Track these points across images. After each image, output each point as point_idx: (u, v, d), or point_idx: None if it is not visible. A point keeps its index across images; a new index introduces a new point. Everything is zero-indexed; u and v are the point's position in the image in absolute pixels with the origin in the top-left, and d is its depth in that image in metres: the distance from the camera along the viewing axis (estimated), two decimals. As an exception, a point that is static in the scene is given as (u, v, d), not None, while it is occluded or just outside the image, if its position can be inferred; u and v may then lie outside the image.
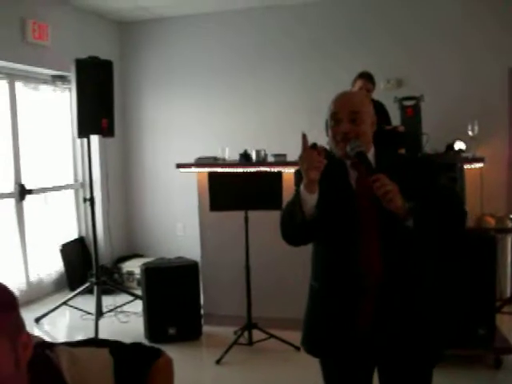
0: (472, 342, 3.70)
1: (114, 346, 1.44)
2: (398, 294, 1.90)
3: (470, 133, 4.43)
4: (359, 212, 1.91)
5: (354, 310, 1.91)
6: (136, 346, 1.51)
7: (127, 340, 1.52)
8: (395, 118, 4.90)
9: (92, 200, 4.91)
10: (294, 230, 1.92)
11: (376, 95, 4.99)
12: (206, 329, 4.59)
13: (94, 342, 1.49)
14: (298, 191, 1.88)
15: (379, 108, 4.93)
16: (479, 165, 4.47)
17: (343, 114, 1.92)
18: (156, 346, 1.54)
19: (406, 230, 1.83)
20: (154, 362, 1.47)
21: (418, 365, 1.98)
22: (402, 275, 1.90)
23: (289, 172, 4.57)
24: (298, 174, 1.98)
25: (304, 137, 1.86)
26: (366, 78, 4.84)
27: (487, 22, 5.44)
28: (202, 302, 4.63)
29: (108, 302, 5.15)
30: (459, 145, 4.51)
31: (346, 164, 1.97)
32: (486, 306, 3.72)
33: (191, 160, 4.85)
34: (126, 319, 4.97)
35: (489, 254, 3.72)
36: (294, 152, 4.62)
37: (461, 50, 5.54)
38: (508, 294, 4.86)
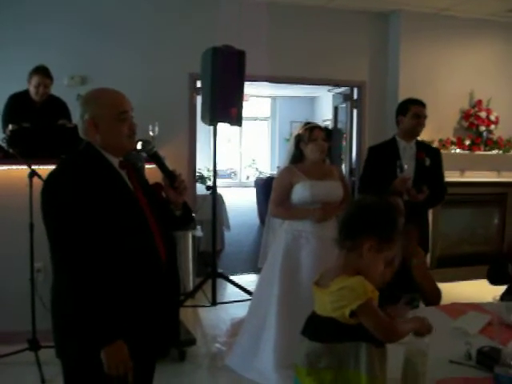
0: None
1: None
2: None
3: (151, 133, 4.56)
4: (142, 208, 2.05)
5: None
6: None
7: None
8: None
9: None
10: None
11: (59, 92, 4.74)
12: None
13: None
14: None
15: (61, 105, 4.70)
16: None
17: (130, 111, 2.07)
18: None
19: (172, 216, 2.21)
20: None
21: None
22: (174, 256, 2.17)
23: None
24: None
25: None
26: (42, 72, 4.53)
27: (169, 31, 5.68)
28: None
29: None
30: (140, 145, 4.56)
31: (112, 165, 2.04)
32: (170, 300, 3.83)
33: None
34: None
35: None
36: None
37: (146, 53, 5.63)
38: (190, 288, 5.10)
